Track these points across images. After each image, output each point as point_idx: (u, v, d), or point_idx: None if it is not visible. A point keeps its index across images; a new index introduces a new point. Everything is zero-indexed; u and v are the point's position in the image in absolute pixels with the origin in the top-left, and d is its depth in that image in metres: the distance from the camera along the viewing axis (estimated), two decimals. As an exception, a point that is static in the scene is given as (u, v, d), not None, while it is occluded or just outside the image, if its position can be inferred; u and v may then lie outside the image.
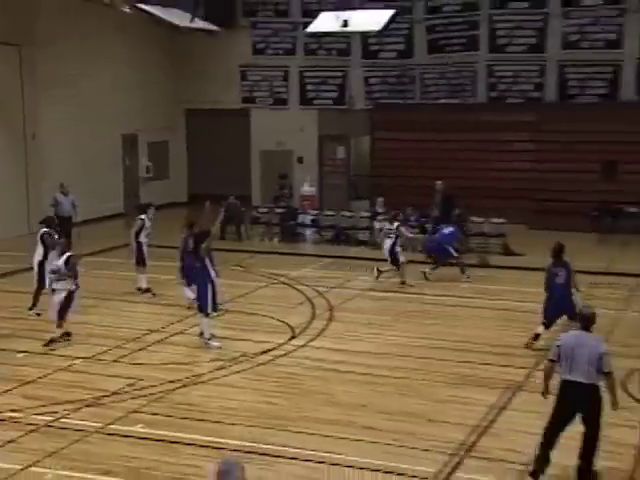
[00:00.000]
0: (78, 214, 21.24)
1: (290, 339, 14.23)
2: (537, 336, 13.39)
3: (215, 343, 13.67)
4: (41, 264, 15.23)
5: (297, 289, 17.75)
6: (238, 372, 12.55)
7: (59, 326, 13.67)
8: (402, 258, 18.06)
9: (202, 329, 13.76)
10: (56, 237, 15.56)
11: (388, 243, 18.07)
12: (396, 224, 18.22)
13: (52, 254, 14.78)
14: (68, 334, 13.85)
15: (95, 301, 16.24)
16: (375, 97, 27.55)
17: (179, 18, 22.24)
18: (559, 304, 13.26)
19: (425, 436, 10.15)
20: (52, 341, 13.61)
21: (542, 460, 8.89)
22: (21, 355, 13.32)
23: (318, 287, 17.78)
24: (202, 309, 13.66)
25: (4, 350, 13.56)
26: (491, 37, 26.00)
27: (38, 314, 15.18)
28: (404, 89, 27.27)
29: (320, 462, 9.44)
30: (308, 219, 23.85)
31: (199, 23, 22.46)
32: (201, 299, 13.67)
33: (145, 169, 28.46)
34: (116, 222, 25.10)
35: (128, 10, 22.34)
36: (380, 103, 27.34)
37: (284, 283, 18.26)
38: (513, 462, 9.41)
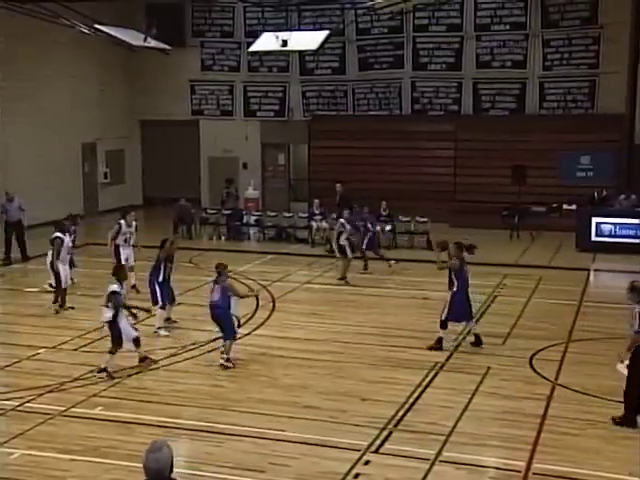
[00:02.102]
0: (26, 217, 19.91)
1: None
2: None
3: (163, 332, 13.63)
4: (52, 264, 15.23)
5: (243, 282, 17.67)
6: (189, 359, 12.46)
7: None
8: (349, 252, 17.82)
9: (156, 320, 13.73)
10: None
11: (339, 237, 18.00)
12: (341, 220, 18.20)
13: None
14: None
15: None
16: (312, 109, 27.58)
17: (134, 38, 21.90)
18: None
19: (358, 413, 10.21)
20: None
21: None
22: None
23: (262, 281, 17.74)
24: (155, 302, 13.67)
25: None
26: (414, 56, 26.24)
27: (57, 312, 15.01)
28: (338, 102, 27.35)
29: (264, 438, 9.43)
30: (252, 219, 23.80)
31: (152, 42, 22.13)
32: (152, 295, 13.72)
33: (103, 175, 28.04)
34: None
35: (87, 31, 21.95)
36: (316, 114, 27.40)
37: (231, 277, 18.15)
38: (435, 434, 9.51)
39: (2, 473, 8.58)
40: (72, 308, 15.14)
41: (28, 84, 23.95)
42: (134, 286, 16.10)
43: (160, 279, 13.77)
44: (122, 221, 16.72)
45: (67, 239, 15.66)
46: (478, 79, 25.81)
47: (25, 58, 23.80)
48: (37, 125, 24.45)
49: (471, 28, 25.60)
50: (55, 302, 15.11)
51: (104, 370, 11.60)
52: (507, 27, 25.29)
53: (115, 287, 11.81)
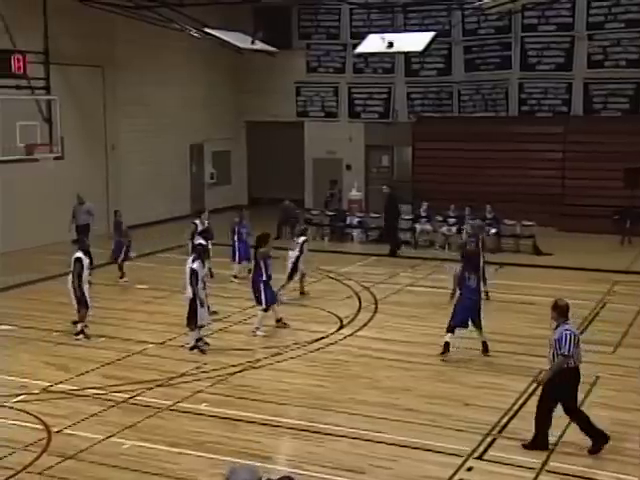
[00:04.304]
0: (94, 222, 19.79)
1: (339, 329, 14.28)
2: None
3: (260, 332, 13.83)
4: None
5: (345, 284, 17.79)
6: (292, 358, 12.64)
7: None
8: (302, 267, 16.55)
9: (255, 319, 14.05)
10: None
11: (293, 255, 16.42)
12: (302, 239, 16.60)
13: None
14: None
15: (166, 293, 16.48)
16: (416, 111, 27.47)
17: (241, 40, 22.39)
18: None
19: (460, 418, 10.13)
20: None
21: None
22: (101, 340, 13.58)
23: (364, 282, 17.80)
24: (259, 303, 13.89)
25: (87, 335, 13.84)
26: (522, 57, 25.77)
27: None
28: (443, 103, 27.15)
29: (364, 439, 9.48)
30: (355, 221, 23.86)
31: (259, 45, 22.58)
32: (256, 295, 13.92)
33: (210, 176, 28.75)
34: (184, 222, 25.32)
35: (196, 34, 22.58)
36: (421, 116, 27.27)
37: (333, 278, 18.31)
38: (540, 443, 9.35)
39: (115, 462, 8.95)
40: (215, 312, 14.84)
41: (140, 87, 24.84)
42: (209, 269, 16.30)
43: (264, 278, 13.98)
44: (197, 220, 17.21)
45: (200, 226, 16.81)
46: (589, 79, 25.09)
47: (138, 62, 24.69)
48: (147, 127, 25.27)
49: (583, 27, 24.91)
50: None
51: (195, 347, 12.58)
52: (622, 25, 24.46)
53: (195, 265, 12.66)
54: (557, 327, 9.17)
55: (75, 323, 13.98)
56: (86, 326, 13.82)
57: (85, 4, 20.49)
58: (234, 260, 17.92)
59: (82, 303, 13.73)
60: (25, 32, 18.03)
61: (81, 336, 13.77)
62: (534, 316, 14.48)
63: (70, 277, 13.75)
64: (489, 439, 9.49)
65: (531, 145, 25.21)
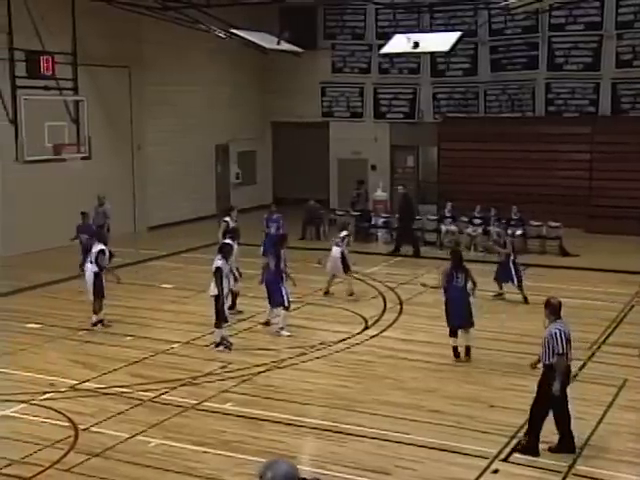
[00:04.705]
0: (110, 224, 19.41)
1: (364, 329, 14.28)
2: None
3: (285, 332, 13.85)
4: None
5: (370, 284, 17.77)
6: (317, 358, 12.66)
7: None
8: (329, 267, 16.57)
9: (278, 319, 14.04)
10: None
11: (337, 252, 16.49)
12: (344, 233, 16.80)
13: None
14: None
15: (192, 292, 16.56)
16: (442, 111, 27.39)
17: (267, 41, 22.43)
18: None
19: (485, 420, 10.09)
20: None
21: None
22: (128, 338, 13.68)
23: (389, 283, 17.77)
24: (279, 303, 13.90)
25: (114, 334, 13.95)
26: (549, 56, 25.59)
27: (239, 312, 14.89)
28: (469, 104, 27.05)
29: (388, 440, 9.47)
30: (380, 221, 23.81)
31: (284, 45, 22.60)
32: (276, 295, 13.90)
33: (235, 175, 28.85)
34: (209, 222, 25.47)
35: (222, 35, 22.66)
36: (447, 116, 27.18)
37: (358, 279, 18.29)
38: (566, 446, 9.28)
39: (141, 460, 9.01)
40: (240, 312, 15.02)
41: (167, 88, 24.98)
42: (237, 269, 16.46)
43: (283, 277, 14.04)
44: (227, 218, 17.25)
45: (232, 224, 16.19)
46: (617, 79, 24.85)
47: (164, 63, 24.84)
48: (173, 127, 25.42)
49: (612, 26, 24.69)
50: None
51: (220, 344, 12.77)
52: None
53: (219, 263, 12.81)
54: (548, 326, 9.14)
55: (95, 324, 14.23)
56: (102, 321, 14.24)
57: (112, 5, 20.64)
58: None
59: (100, 293, 14.16)
60: (53, 33, 18.19)
61: (99, 326, 14.14)
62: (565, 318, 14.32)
63: (90, 267, 14.16)
64: (515, 441, 9.43)
65: (558, 146, 25.03)
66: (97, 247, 14.37)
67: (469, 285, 12.57)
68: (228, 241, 14.79)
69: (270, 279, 14.07)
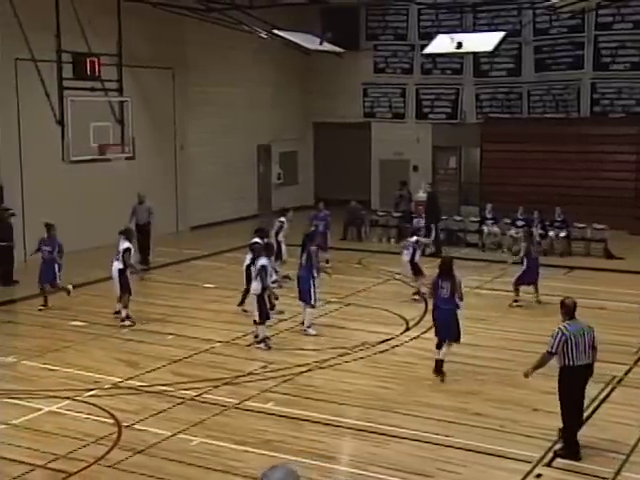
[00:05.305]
0: (154, 221, 19.91)
1: (405, 331, 14.21)
2: None
3: (312, 331, 13.89)
4: (248, 267, 14.80)
5: (411, 286, 17.68)
6: (358, 359, 12.63)
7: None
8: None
9: (304, 318, 14.10)
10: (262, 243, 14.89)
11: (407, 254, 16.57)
12: (415, 238, 16.78)
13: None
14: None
15: (234, 292, 16.61)
16: (485, 112, 27.17)
17: (309, 42, 22.49)
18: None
19: (529, 423, 9.98)
20: None
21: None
22: (170, 337, 13.80)
23: (430, 284, 17.61)
24: (305, 300, 13.96)
25: (156, 333, 14.08)
26: (595, 56, 25.24)
27: (245, 310, 14.92)
28: (512, 104, 26.79)
29: (430, 443, 9.41)
30: (422, 223, 23.63)
31: (327, 46, 22.63)
32: (304, 292, 13.96)
33: (277, 176, 28.95)
34: (251, 222, 25.56)
35: (265, 36, 22.75)
36: (489, 117, 26.95)
37: (400, 280, 18.22)
38: (613, 451, 9.14)
39: (183, 458, 9.08)
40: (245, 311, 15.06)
41: (209, 88, 25.17)
42: (287, 276, 16.59)
43: (315, 275, 14.09)
44: (283, 218, 17.39)
45: (286, 224, 17.26)
46: (667, 78, 24.45)
47: (207, 63, 25.03)
48: (216, 127, 25.59)
49: (662, 23, 24.28)
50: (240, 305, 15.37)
51: (262, 341, 12.93)
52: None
53: (264, 261, 13.05)
54: None
55: (117, 313, 14.64)
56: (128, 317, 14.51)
57: (156, 8, 20.85)
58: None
59: (126, 289, 14.47)
60: (99, 35, 18.44)
61: (127, 322, 14.38)
62: (604, 321, 14.12)
63: (116, 265, 14.48)
64: (559, 446, 9.30)
65: (603, 147, 24.68)
66: (124, 245, 14.59)
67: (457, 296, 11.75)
68: (257, 240, 14.92)
69: (301, 275, 14.14)
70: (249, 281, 14.15)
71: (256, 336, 13.31)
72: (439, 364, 11.70)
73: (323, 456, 9.04)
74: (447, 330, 11.72)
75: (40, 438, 9.64)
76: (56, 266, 15.51)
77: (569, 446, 8.98)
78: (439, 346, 11.80)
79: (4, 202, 18.57)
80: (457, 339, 11.77)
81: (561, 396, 9.11)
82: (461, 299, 11.90)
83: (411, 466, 8.83)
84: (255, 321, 13.24)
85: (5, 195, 18.96)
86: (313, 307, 14.06)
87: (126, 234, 15.04)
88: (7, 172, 19.36)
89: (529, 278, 16.00)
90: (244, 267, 14.94)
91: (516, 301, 15.98)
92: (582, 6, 21.58)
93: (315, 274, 14.11)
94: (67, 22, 17.22)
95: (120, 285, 14.52)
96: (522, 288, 16.06)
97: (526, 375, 9.43)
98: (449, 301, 11.72)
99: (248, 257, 14.78)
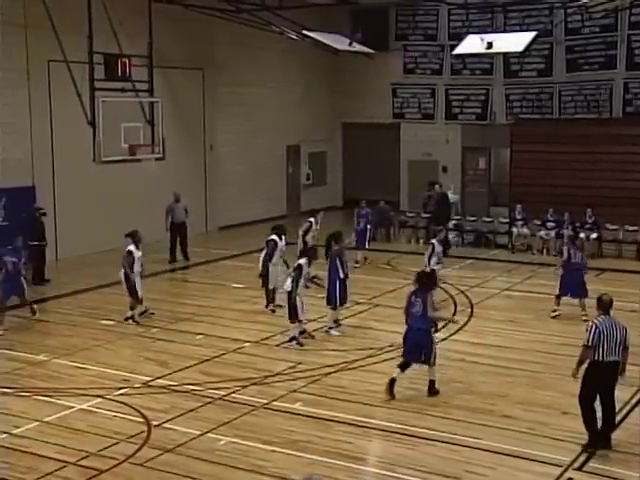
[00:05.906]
0: (189, 219, 20.35)
1: (434, 332, 14.12)
2: None
3: (335, 332, 13.94)
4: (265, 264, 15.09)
5: (440, 287, 17.56)
6: (386, 360, 12.60)
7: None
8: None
9: (328, 318, 14.18)
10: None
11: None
12: (433, 240, 16.75)
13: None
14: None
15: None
16: (515, 112, 26.99)
17: (339, 42, 22.51)
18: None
19: (559, 426, 9.90)
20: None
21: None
22: (199, 337, 13.88)
23: (460, 286, 17.59)
24: (329, 302, 14.00)
25: (185, 332, 14.17)
26: (628, 56, 24.96)
27: (273, 310, 15.13)
28: (543, 105, 26.59)
29: (459, 445, 9.38)
30: (451, 224, 23.59)
31: (356, 47, 22.64)
32: (329, 293, 14.03)
33: (306, 176, 28.99)
34: (280, 223, 25.56)
35: (294, 36, 22.80)
36: (520, 118, 26.76)
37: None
38: (645, 455, 9.05)
39: (211, 457, 9.13)
40: (280, 306, 14.92)
41: (239, 89, 25.28)
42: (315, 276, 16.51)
43: (341, 276, 14.09)
44: (312, 219, 17.51)
45: (315, 226, 17.33)
46: (701, 78, 24.12)
47: (236, 64, 25.13)
48: (245, 128, 25.70)
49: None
50: (268, 305, 15.44)
51: (294, 339, 13.12)
52: None
53: (302, 261, 13.24)
54: None
55: (127, 319, 14.74)
56: (146, 311, 14.81)
57: (187, 9, 20.98)
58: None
59: (133, 295, 14.63)
60: (130, 36, 18.59)
61: (130, 321, 14.63)
62: (636, 324, 13.92)
63: (122, 269, 14.65)
64: (590, 450, 9.21)
65: (635, 147, 24.31)
66: (128, 247, 14.77)
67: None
68: (273, 237, 14.96)
69: (329, 276, 14.20)
70: (264, 280, 15.03)
71: (302, 332, 13.47)
72: (430, 385, 10.99)
73: (350, 457, 9.05)
74: (417, 353, 10.87)
75: (71, 435, 9.75)
76: (22, 279, 14.75)
77: (594, 438, 9.07)
78: (402, 367, 10.99)
79: (36, 202, 18.80)
80: (427, 362, 10.93)
81: (582, 394, 9.19)
82: (435, 322, 11.69)
83: (438, 468, 8.81)
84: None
85: (37, 195, 19.20)
86: (334, 309, 14.11)
87: (132, 237, 14.96)
88: (39, 172, 19.60)
89: (570, 290, 15.08)
90: (260, 262, 15.29)
91: (554, 311, 15.29)
92: (615, 5, 21.36)
93: (341, 275, 14.10)
94: (99, 24, 17.39)
95: (127, 289, 14.71)
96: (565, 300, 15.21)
97: (574, 375, 9.42)
98: (422, 320, 10.86)
99: (263, 253, 15.32)
